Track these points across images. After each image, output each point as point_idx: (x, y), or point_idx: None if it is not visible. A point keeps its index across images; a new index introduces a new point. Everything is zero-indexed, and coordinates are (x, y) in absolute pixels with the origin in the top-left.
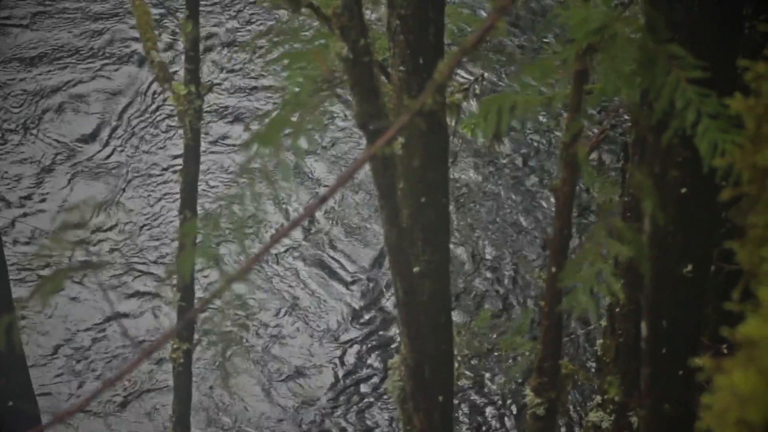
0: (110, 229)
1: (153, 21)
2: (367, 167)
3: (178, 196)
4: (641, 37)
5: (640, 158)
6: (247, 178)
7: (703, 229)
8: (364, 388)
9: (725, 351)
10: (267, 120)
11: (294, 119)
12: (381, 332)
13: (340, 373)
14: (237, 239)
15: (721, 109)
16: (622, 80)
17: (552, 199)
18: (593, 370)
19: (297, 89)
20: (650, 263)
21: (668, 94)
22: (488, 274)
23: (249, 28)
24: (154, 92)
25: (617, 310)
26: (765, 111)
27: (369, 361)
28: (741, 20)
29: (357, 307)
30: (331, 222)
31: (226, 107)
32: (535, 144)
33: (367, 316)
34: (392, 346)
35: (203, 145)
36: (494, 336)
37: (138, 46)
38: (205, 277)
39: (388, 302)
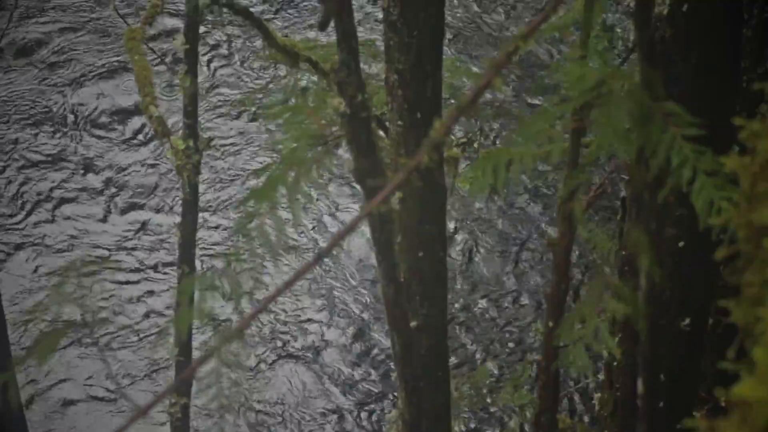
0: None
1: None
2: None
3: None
4: (637, 94)
5: (637, 215)
6: (243, 236)
7: (701, 282)
8: None
9: (723, 404)
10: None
11: (291, 176)
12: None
13: (337, 428)
14: (233, 297)
15: (717, 167)
16: (618, 137)
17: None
18: (591, 424)
19: (294, 145)
20: (647, 319)
21: (664, 151)
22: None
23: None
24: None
25: (615, 364)
26: (761, 169)
27: (365, 417)
28: (739, 73)
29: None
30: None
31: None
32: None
33: (362, 371)
34: (389, 401)
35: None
36: (492, 392)
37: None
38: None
39: (383, 355)
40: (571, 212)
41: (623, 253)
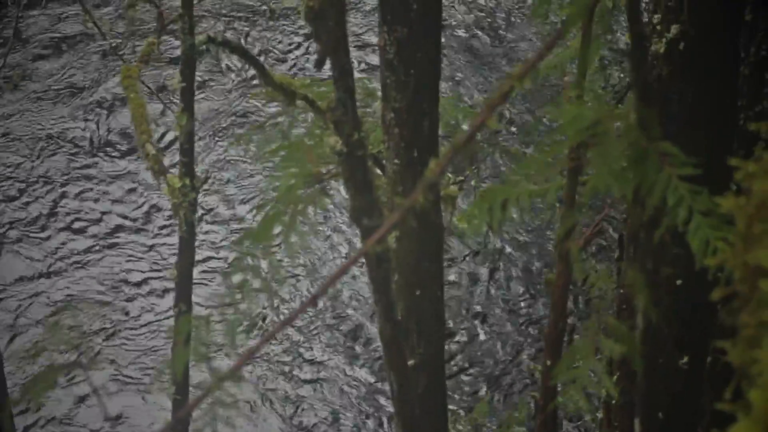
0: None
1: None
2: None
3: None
4: (633, 134)
5: (633, 254)
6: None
7: (700, 320)
8: None
9: None
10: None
11: (286, 216)
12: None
13: None
14: (228, 338)
15: (713, 206)
16: (614, 177)
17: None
18: None
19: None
20: (645, 358)
21: (660, 191)
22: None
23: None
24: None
25: (613, 402)
26: (756, 210)
27: None
28: (736, 112)
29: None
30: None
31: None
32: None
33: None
34: None
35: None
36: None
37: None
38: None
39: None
40: (568, 251)
41: (621, 291)
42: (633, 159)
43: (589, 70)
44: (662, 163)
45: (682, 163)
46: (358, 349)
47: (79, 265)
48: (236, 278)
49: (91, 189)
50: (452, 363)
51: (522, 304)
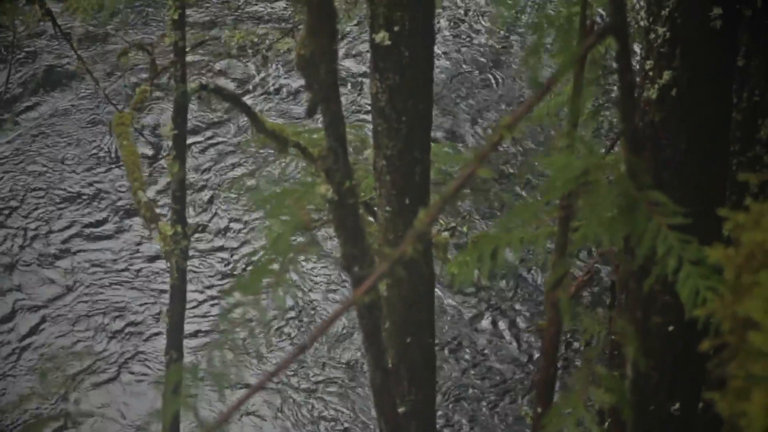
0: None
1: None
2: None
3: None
4: (622, 183)
5: (624, 303)
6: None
7: (691, 367)
8: None
9: None
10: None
11: (276, 267)
12: None
13: None
14: (217, 388)
15: (702, 256)
16: (604, 227)
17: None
18: None
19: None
20: (635, 407)
21: (649, 240)
22: (475, 405)
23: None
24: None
25: None
26: (745, 261)
27: None
28: (728, 158)
29: None
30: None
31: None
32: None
33: None
34: None
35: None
36: None
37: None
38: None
39: None
40: (559, 299)
41: (612, 337)
42: (623, 208)
43: (580, 117)
44: (652, 213)
45: (672, 213)
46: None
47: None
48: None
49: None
50: (443, 407)
51: (513, 348)
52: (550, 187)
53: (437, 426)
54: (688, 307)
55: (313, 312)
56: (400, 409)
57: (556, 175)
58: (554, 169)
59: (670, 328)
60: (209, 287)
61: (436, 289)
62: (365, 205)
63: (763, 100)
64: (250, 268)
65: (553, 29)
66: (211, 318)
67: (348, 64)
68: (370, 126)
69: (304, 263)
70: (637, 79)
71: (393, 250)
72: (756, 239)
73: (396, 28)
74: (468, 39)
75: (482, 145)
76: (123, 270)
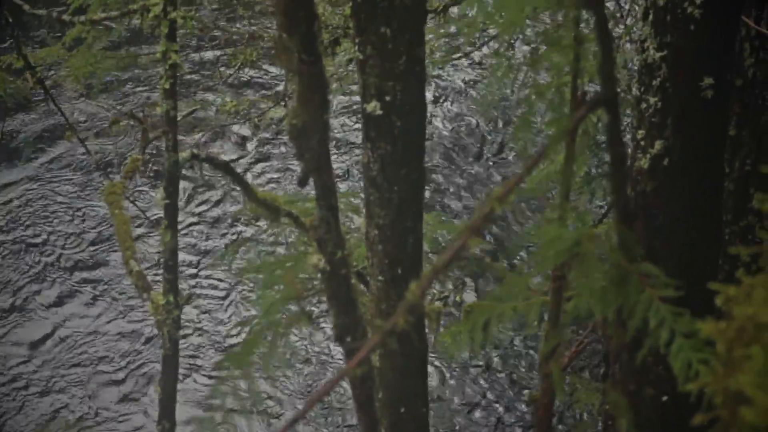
0: None
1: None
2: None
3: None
4: (614, 255)
5: (616, 375)
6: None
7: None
8: None
9: None
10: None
11: (267, 340)
12: None
13: None
14: None
15: (695, 328)
16: (595, 299)
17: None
18: None
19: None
20: None
21: (641, 312)
22: None
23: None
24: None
25: None
26: (736, 335)
27: None
28: (720, 227)
29: None
30: None
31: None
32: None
33: None
34: None
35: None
36: None
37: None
38: None
39: None
40: (552, 371)
41: (606, 407)
42: (614, 280)
43: (572, 187)
44: (644, 285)
45: (664, 285)
46: None
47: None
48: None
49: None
50: None
51: (507, 419)
52: (542, 259)
53: None
54: (681, 380)
55: (305, 382)
56: None
57: (548, 247)
58: (546, 241)
59: (663, 399)
60: (202, 357)
61: (429, 358)
62: (358, 274)
63: (754, 169)
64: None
65: (542, 101)
66: (204, 388)
67: (340, 133)
68: (363, 195)
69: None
70: (629, 149)
71: (385, 321)
72: (747, 313)
73: (387, 98)
74: (459, 109)
75: (474, 217)
76: (114, 339)
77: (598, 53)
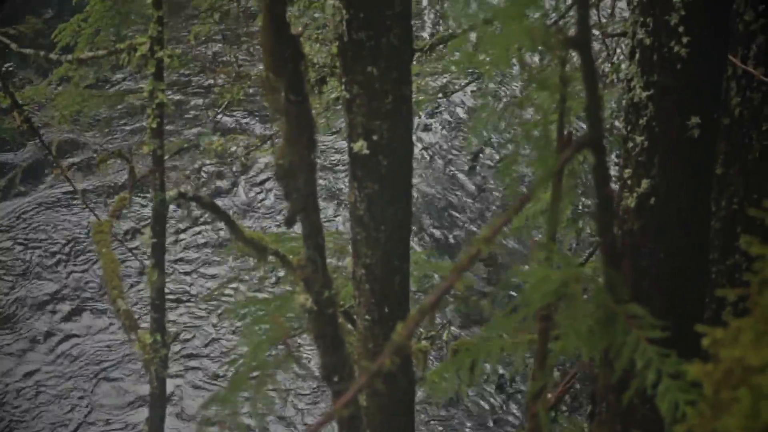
0: None
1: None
2: None
3: None
4: (600, 296)
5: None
6: None
7: None
8: None
9: None
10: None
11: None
12: None
13: None
14: None
15: (681, 369)
16: (582, 340)
17: None
18: None
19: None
20: None
21: (628, 353)
22: None
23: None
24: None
25: None
26: (724, 377)
27: None
28: (707, 267)
29: None
30: None
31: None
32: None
33: None
34: None
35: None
36: None
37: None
38: None
39: None
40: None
41: None
42: (601, 321)
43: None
44: (630, 326)
45: (651, 326)
46: None
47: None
48: None
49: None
50: None
51: None
52: (528, 301)
53: None
54: (668, 421)
55: (292, 423)
56: None
57: (535, 288)
58: (532, 283)
59: None
60: (188, 396)
61: (417, 397)
62: (345, 313)
63: (741, 208)
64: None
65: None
66: (191, 427)
67: (327, 173)
68: (350, 234)
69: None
70: (616, 188)
71: (372, 362)
72: (734, 355)
73: (374, 137)
74: (447, 148)
75: (460, 258)
76: (101, 377)
77: (584, 94)
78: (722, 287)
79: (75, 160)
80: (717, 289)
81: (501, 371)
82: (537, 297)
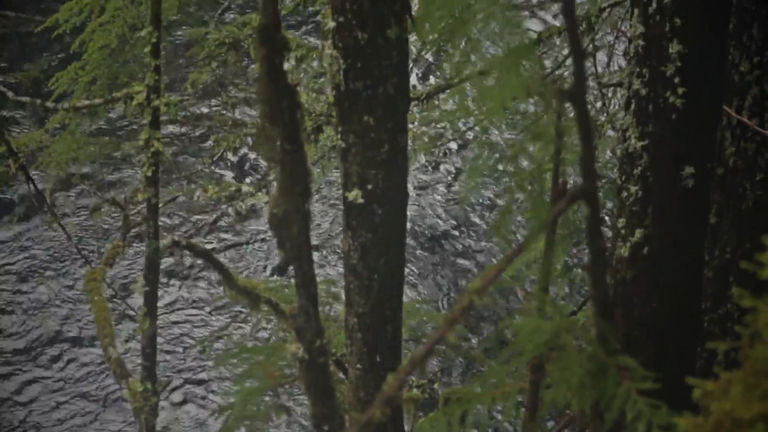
0: None
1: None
2: None
3: None
4: (592, 347)
5: None
6: None
7: None
8: None
9: None
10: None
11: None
12: None
13: None
14: None
15: (672, 421)
16: (573, 391)
17: None
18: None
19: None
20: None
21: (619, 405)
22: None
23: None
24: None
25: None
26: (714, 430)
27: None
28: (700, 314)
29: None
30: None
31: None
32: None
33: None
34: None
35: None
36: None
37: None
38: None
39: None
40: None
41: None
42: (592, 372)
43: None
44: (621, 377)
45: (641, 377)
46: None
47: None
48: None
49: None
50: None
51: None
52: (521, 351)
53: None
54: None
55: None
56: None
57: (526, 339)
58: (524, 334)
59: None
60: None
61: None
62: (336, 362)
63: (734, 257)
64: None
65: (523, 191)
66: None
67: (320, 221)
68: (343, 283)
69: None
70: (610, 236)
71: (362, 412)
72: (725, 408)
73: (369, 187)
74: (441, 198)
75: (453, 309)
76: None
77: (579, 146)
78: (714, 336)
79: (69, 208)
80: (708, 342)
81: (492, 420)
82: (529, 347)
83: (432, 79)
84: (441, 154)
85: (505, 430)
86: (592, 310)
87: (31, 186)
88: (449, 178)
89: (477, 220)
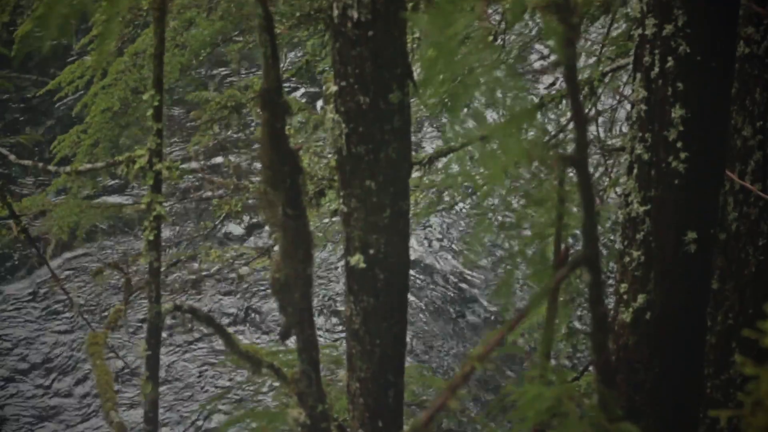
0: None
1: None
2: None
3: None
4: (594, 414)
5: None
6: None
7: None
8: None
9: None
10: None
11: None
12: None
13: None
14: None
15: None
16: None
17: None
18: None
19: None
20: None
21: None
22: None
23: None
24: None
25: None
26: None
27: None
28: (702, 380)
29: None
30: None
31: None
32: None
33: None
34: None
35: None
36: None
37: None
38: None
39: None
40: None
41: None
42: None
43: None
44: None
45: None
46: None
47: None
48: None
49: None
50: None
51: None
52: (522, 418)
53: None
54: None
55: None
56: None
57: (528, 406)
58: (526, 401)
59: None
60: None
61: None
62: (338, 427)
63: (737, 323)
64: None
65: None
66: None
67: (322, 286)
68: (345, 347)
69: None
70: (612, 301)
71: None
72: None
73: (371, 251)
74: (443, 262)
75: (455, 376)
76: None
77: (581, 212)
78: (717, 403)
79: (70, 271)
80: (711, 410)
81: None
82: (531, 414)
83: (433, 143)
84: (445, 216)
85: None
86: (594, 376)
87: (33, 250)
88: (453, 243)
89: (480, 283)
